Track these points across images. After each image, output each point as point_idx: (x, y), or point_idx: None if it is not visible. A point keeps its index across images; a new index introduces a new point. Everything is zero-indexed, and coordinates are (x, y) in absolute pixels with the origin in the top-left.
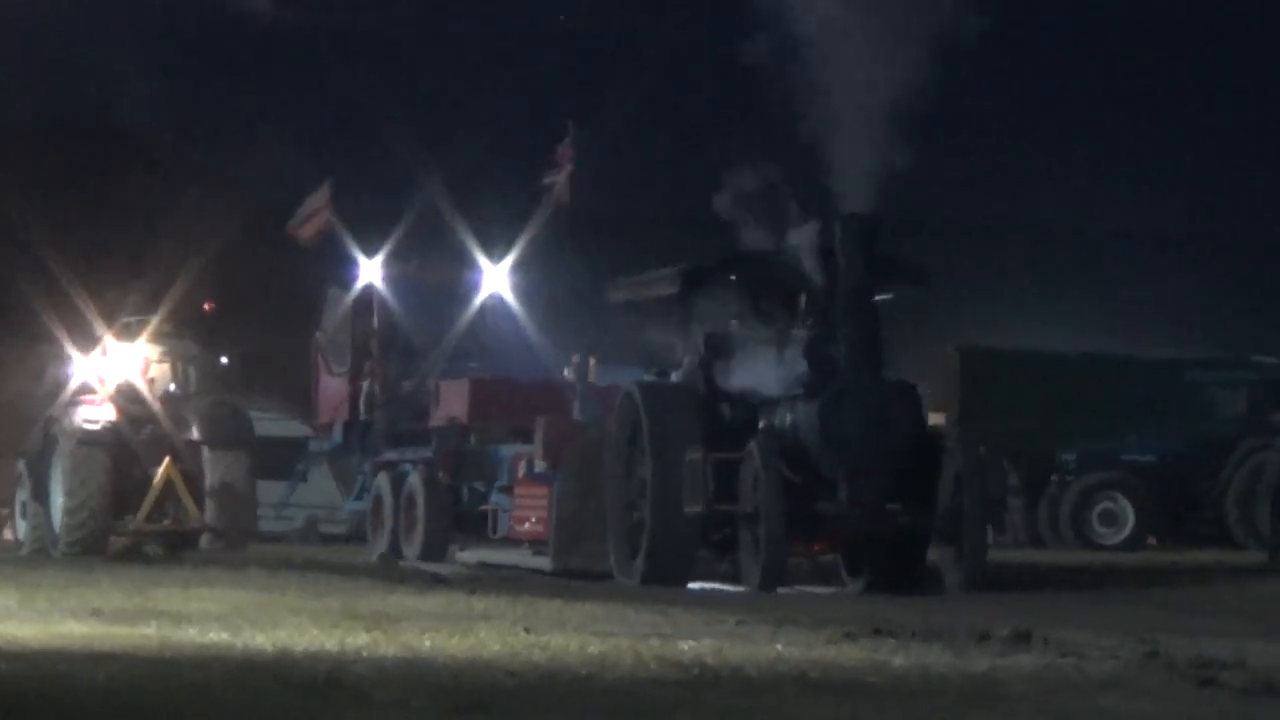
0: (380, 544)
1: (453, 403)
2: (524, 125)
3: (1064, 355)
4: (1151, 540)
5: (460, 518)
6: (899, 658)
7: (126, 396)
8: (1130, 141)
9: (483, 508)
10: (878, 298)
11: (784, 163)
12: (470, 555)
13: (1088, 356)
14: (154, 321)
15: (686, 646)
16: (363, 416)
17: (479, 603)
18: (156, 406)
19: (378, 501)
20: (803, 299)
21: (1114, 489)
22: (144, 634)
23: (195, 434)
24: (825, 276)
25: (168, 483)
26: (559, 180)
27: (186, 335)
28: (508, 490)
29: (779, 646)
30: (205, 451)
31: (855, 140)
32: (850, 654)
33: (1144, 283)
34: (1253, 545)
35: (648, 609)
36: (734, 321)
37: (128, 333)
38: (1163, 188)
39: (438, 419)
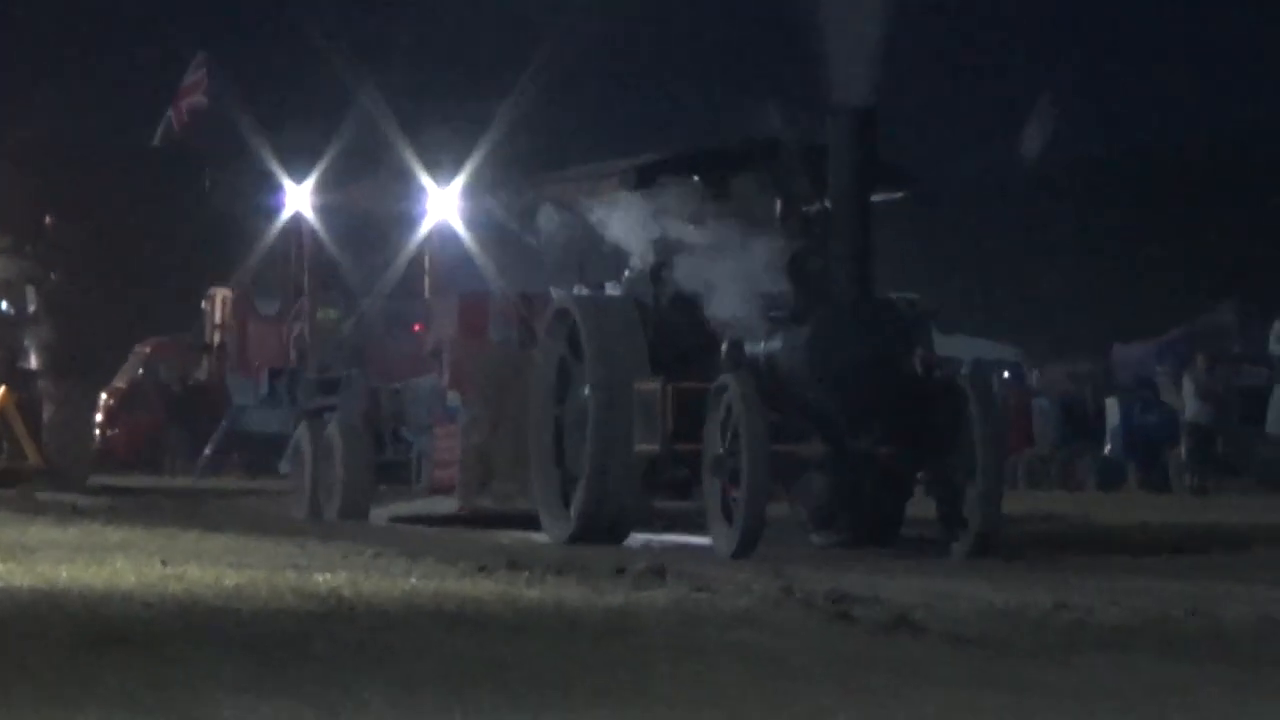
0: (300, 505)
1: (444, 323)
2: (477, 35)
3: None
4: None
5: (386, 468)
6: (534, 591)
7: None
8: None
9: (409, 455)
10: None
11: (764, 43)
12: (382, 512)
13: None
14: None
15: (322, 579)
16: (293, 363)
17: (115, 534)
18: None
19: (298, 456)
20: (779, 204)
21: None
22: None
23: (34, 362)
24: (812, 178)
25: (1, 415)
26: (177, 109)
27: (25, 252)
28: (428, 431)
29: (414, 579)
30: (43, 381)
31: (857, 20)
32: (485, 587)
33: None
34: None
35: (285, 541)
36: (692, 226)
37: None
38: None
39: (430, 345)
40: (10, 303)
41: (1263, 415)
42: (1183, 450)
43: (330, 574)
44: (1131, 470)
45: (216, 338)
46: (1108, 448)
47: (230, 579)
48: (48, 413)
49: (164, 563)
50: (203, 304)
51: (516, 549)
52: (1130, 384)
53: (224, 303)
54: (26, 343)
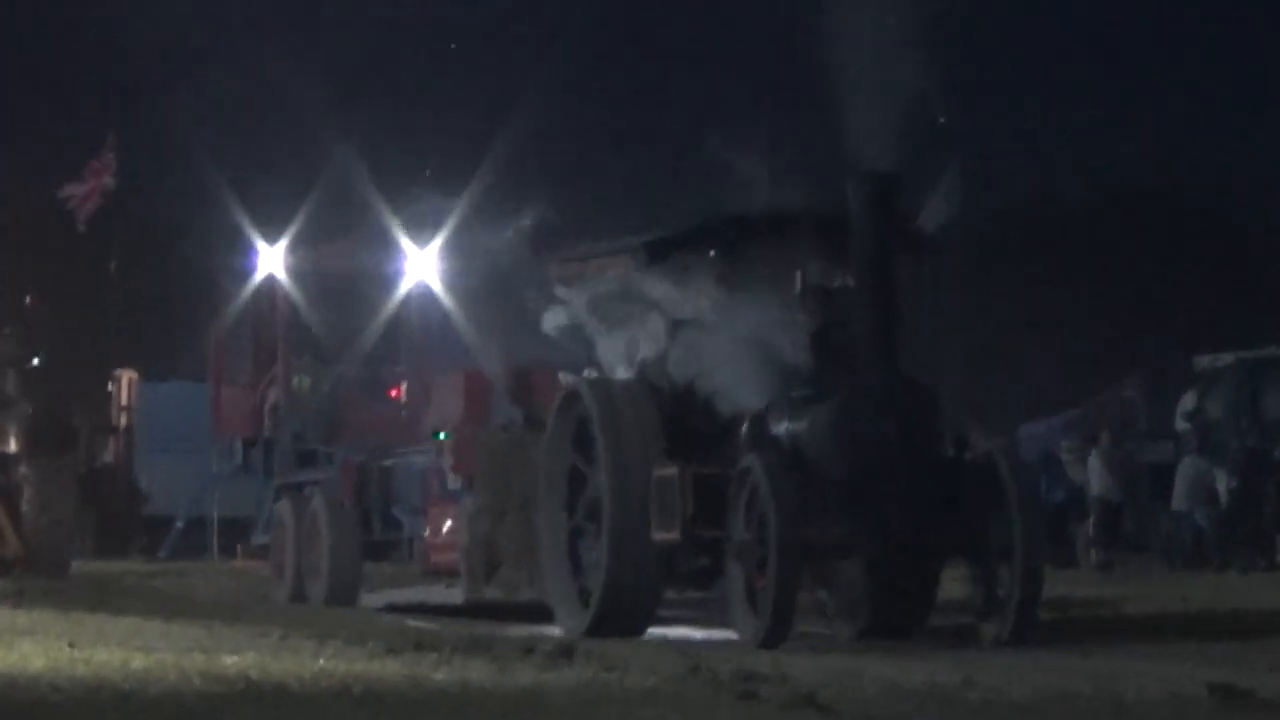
0: (282, 588)
1: (448, 403)
2: (462, 88)
3: None
4: None
5: (376, 548)
6: (441, 672)
7: None
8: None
9: (399, 535)
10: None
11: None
12: (376, 598)
13: None
14: None
15: (230, 660)
16: (266, 432)
17: (23, 617)
18: None
19: (279, 533)
20: (798, 277)
21: None
22: None
23: (13, 446)
24: (832, 249)
25: None
26: (79, 194)
27: (5, 334)
28: (421, 512)
29: (322, 661)
30: (24, 467)
31: (881, 82)
32: (393, 669)
33: None
34: None
35: (191, 624)
36: (707, 303)
37: None
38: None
39: (433, 424)
40: None
41: (1168, 491)
42: (1090, 525)
43: (238, 656)
44: None
45: (123, 420)
46: None
47: (138, 661)
48: (27, 497)
49: (72, 645)
50: (109, 386)
51: (420, 631)
52: (1035, 459)
53: (129, 384)
54: (7, 427)
